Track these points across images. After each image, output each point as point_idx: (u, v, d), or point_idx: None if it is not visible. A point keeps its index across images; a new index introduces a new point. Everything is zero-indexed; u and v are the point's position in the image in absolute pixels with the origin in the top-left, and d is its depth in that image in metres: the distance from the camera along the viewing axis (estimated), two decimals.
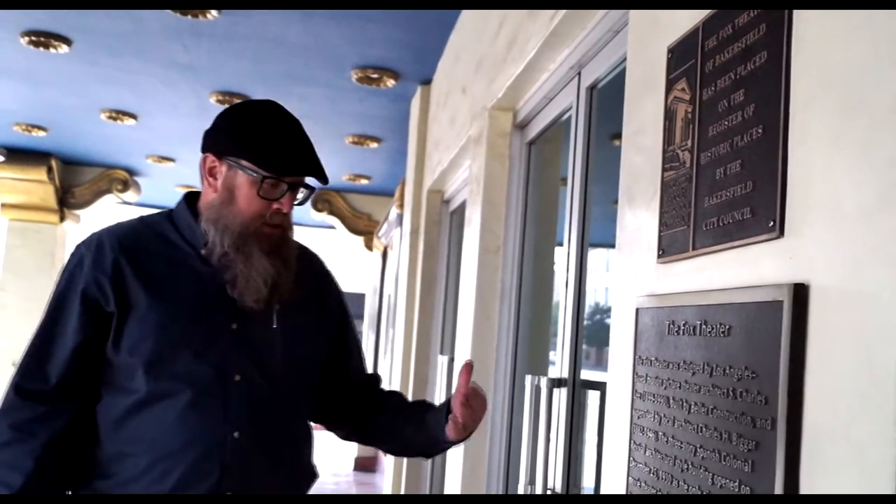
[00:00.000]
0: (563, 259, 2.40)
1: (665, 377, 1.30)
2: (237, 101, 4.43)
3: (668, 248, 1.36)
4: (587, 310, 2.35)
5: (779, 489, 0.96)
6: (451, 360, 3.96)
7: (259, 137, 1.57)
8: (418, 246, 5.13)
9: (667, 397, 1.29)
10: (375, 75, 5.10)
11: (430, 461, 4.38)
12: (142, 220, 1.68)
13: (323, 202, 9.47)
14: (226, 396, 1.53)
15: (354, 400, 1.83)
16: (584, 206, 2.30)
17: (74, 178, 9.04)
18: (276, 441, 1.60)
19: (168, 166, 8.40)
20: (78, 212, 9.25)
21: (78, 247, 1.62)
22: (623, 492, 1.45)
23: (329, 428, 1.85)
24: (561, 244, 2.48)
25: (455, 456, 3.13)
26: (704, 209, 1.23)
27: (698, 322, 1.20)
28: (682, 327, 1.26)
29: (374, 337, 10.02)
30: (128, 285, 1.54)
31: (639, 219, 1.53)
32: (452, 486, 3.24)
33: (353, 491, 7.59)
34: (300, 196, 1.63)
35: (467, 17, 3.95)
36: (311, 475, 1.72)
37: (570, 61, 2.42)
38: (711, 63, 1.26)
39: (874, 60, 0.89)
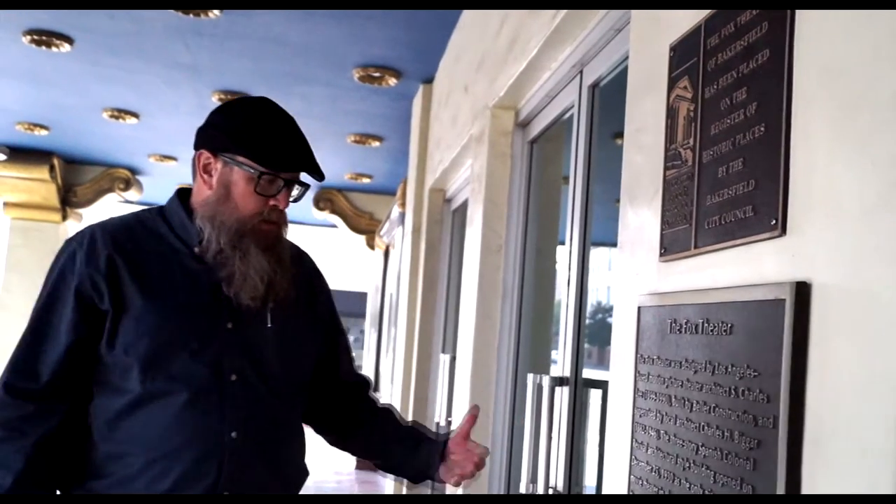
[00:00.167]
0: (564, 258, 2.40)
1: (667, 376, 1.30)
2: None
3: (670, 247, 1.35)
4: (589, 308, 2.35)
5: (781, 487, 0.96)
6: (453, 359, 3.96)
7: (256, 134, 1.56)
8: (420, 245, 5.13)
9: (669, 396, 1.29)
10: (377, 74, 5.10)
11: None
12: (134, 216, 1.64)
13: (325, 201, 9.48)
14: (222, 396, 1.52)
15: (344, 402, 1.82)
16: (585, 205, 2.30)
17: (76, 177, 9.05)
18: (272, 441, 1.60)
19: (170, 165, 8.40)
20: (80, 210, 9.26)
21: (68, 242, 1.57)
22: (625, 490, 1.45)
23: (317, 431, 1.83)
24: (563, 243, 2.48)
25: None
26: (706, 207, 1.23)
27: (700, 320, 1.20)
28: (684, 326, 1.26)
29: (376, 336, 10.02)
30: (123, 283, 1.51)
31: (640, 217, 1.53)
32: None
33: (356, 489, 7.60)
34: (296, 192, 1.62)
35: (469, 15, 3.95)
36: (304, 474, 1.71)
37: (572, 60, 2.42)
38: (713, 61, 1.26)
39: (876, 58, 0.89)
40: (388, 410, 1.86)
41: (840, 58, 0.96)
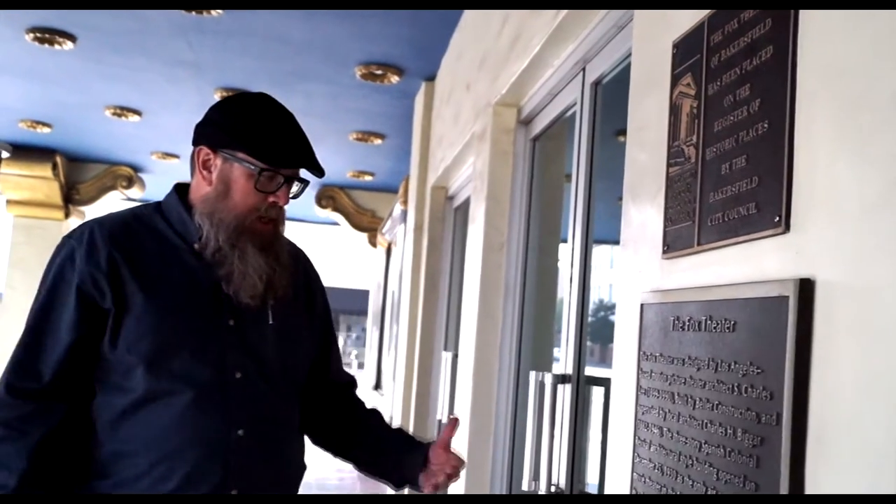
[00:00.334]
0: (567, 255, 2.40)
1: (670, 373, 1.30)
2: None
3: (673, 244, 1.35)
4: (591, 306, 2.35)
5: (784, 485, 0.96)
6: (455, 357, 3.96)
7: (256, 130, 1.55)
8: (422, 242, 5.13)
9: (671, 393, 1.29)
10: (379, 72, 5.10)
11: None
12: (130, 211, 1.63)
13: (327, 199, 9.48)
14: (226, 395, 1.52)
15: (333, 402, 1.82)
16: (588, 203, 2.30)
17: (79, 175, 9.06)
18: (276, 438, 1.60)
19: (172, 163, 8.41)
20: (83, 208, 9.27)
21: (66, 239, 1.56)
22: (627, 488, 1.45)
23: (303, 430, 1.80)
24: (565, 240, 2.47)
25: (459, 452, 3.13)
26: (709, 205, 1.23)
27: (703, 318, 1.20)
28: (687, 323, 1.25)
29: (378, 333, 10.03)
30: (124, 281, 1.49)
31: (643, 215, 1.52)
32: (456, 482, 3.24)
33: (357, 487, 7.60)
34: (295, 189, 1.62)
35: (471, 13, 3.94)
36: (303, 469, 1.72)
37: (575, 57, 2.42)
38: (717, 58, 1.26)
39: (879, 56, 0.89)
40: (377, 413, 1.86)
41: (843, 55, 0.96)
